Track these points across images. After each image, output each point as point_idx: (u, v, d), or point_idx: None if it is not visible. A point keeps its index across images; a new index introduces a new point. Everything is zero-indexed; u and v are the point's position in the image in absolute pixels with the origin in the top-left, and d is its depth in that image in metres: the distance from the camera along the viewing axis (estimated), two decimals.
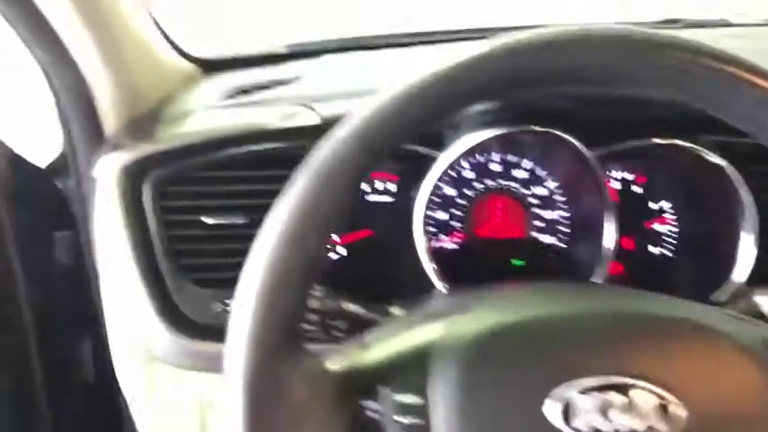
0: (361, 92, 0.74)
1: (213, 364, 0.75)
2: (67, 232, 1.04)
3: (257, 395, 0.47)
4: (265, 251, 0.47)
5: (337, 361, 0.49)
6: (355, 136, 0.47)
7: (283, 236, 0.47)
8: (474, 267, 0.85)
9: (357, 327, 0.64)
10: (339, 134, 0.48)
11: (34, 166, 0.99)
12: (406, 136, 0.48)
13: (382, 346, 0.50)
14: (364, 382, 0.49)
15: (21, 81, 1.15)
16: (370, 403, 0.49)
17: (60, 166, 1.02)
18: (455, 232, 0.85)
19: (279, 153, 0.75)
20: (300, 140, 0.74)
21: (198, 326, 0.75)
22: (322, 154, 0.48)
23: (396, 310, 0.69)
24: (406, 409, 0.48)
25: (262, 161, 0.75)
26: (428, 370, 0.48)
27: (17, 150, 0.97)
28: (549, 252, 0.86)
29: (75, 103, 0.79)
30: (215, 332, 0.75)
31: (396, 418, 0.48)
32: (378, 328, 0.53)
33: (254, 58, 1.07)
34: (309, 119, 0.76)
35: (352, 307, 0.67)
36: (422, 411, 0.48)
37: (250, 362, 0.47)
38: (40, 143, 1.03)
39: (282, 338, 0.47)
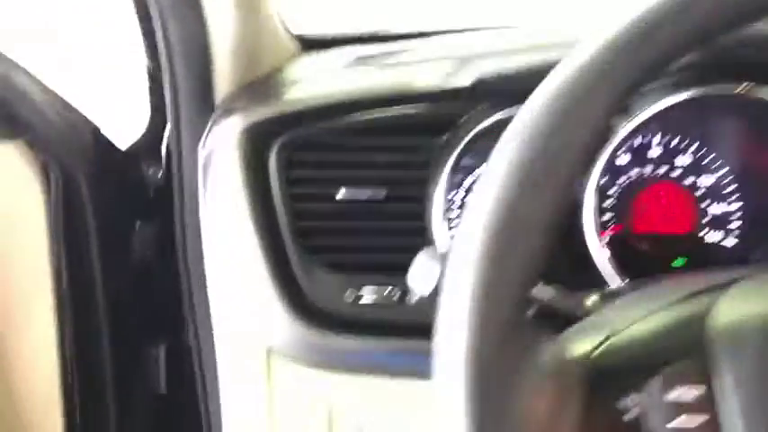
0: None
1: (344, 362, 0.64)
2: (149, 223, 0.94)
3: (487, 392, 0.35)
4: (495, 200, 0.36)
5: (584, 346, 0.38)
6: (614, 51, 0.37)
7: (525, 174, 0.36)
8: (631, 264, 0.73)
9: (549, 316, 0.53)
10: (584, 57, 0.37)
11: (119, 148, 0.89)
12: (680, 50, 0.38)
13: (647, 328, 0.39)
14: (625, 373, 0.38)
15: (107, 56, 1.06)
16: (630, 399, 0.38)
17: (147, 149, 0.92)
18: (611, 225, 0.74)
19: (428, 117, 0.65)
20: (456, 102, 0.64)
21: (328, 316, 0.64)
22: (582, 62, 0.37)
23: (594, 301, 0.57)
24: (685, 406, 0.37)
25: (406, 126, 0.65)
26: (713, 356, 0.37)
27: (103, 129, 0.88)
28: (718, 250, 0.74)
29: (188, 60, 0.69)
30: (347, 324, 0.63)
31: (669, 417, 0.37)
32: (612, 310, 0.42)
33: (352, 37, 0.97)
34: (464, 78, 0.66)
35: (546, 293, 0.56)
36: (705, 405, 0.36)
37: (476, 349, 0.36)
38: (125, 122, 0.94)
39: (515, 318, 0.36)
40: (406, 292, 0.64)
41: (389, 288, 0.64)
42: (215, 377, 0.80)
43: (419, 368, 0.65)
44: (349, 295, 0.64)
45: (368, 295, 0.63)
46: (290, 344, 0.64)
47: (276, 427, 0.64)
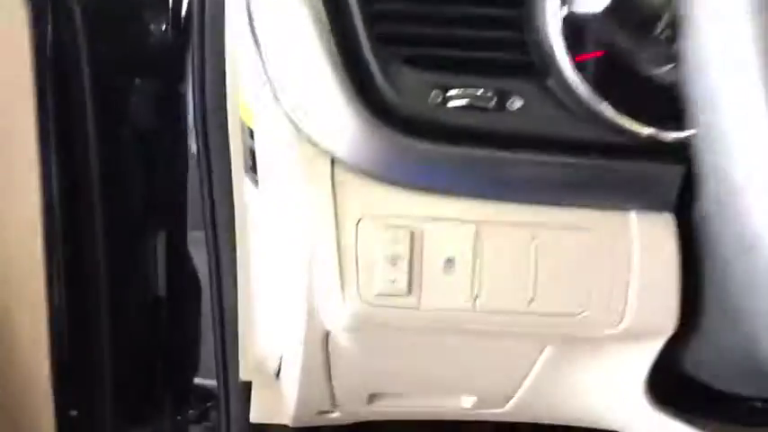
0: None
1: (430, 176, 0.51)
2: (150, 81, 0.80)
3: None
4: None
5: None
6: None
7: None
8: None
9: None
10: None
11: None
12: None
13: None
14: None
15: None
16: None
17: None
18: None
19: None
20: None
21: (409, 120, 0.51)
22: None
23: None
24: None
25: None
26: None
27: None
28: None
29: None
30: (433, 130, 0.51)
31: None
32: None
33: None
34: None
35: None
36: None
37: None
38: None
39: None
40: (505, 96, 0.51)
41: (482, 91, 0.51)
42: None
43: (522, 188, 0.53)
44: (434, 97, 0.51)
45: (458, 98, 0.51)
46: (362, 151, 0.51)
47: (344, 267, 0.51)
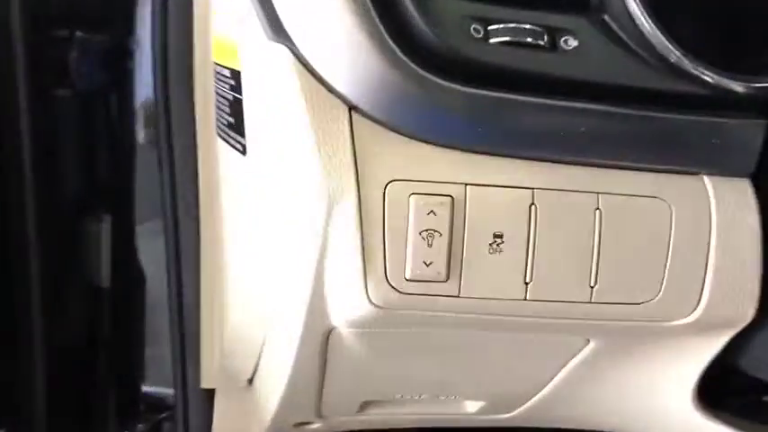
0: None
1: (471, 129, 0.41)
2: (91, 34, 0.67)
3: None
4: None
5: None
6: None
7: None
8: None
9: None
10: None
11: None
12: None
13: None
14: None
15: None
16: None
17: None
18: None
19: None
20: None
21: (445, 57, 0.40)
22: None
23: None
24: None
25: None
26: None
27: None
28: None
29: None
30: (474, 71, 0.40)
31: None
32: None
33: None
34: None
35: None
36: None
37: None
38: None
39: None
40: (557, 34, 0.42)
41: (530, 27, 0.41)
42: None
43: (583, 145, 0.43)
44: (475, 31, 0.40)
45: (502, 34, 0.41)
46: (388, 99, 0.40)
47: (368, 244, 0.40)
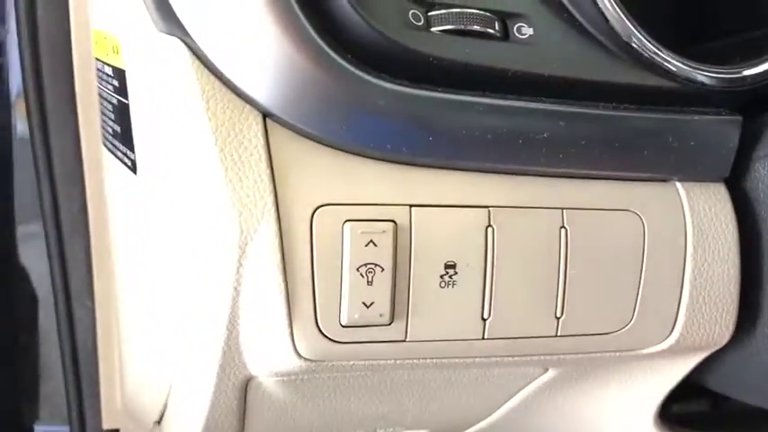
0: None
1: (416, 135, 0.34)
2: None
3: None
4: None
5: None
6: None
7: None
8: None
9: None
10: None
11: None
12: None
13: None
14: None
15: None
16: None
17: None
18: None
19: None
20: None
21: (380, 50, 0.32)
22: None
23: None
24: None
25: None
26: None
27: None
28: None
29: None
30: (412, 65, 0.33)
31: None
32: None
33: None
34: None
35: None
36: None
37: None
38: None
39: None
40: (509, 20, 0.35)
41: (478, 13, 0.34)
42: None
43: (543, 153, 0.36)
44: (414, 17, 0.33)
45: (445, 21, 0.33)
46: (312, 103, 0.32)
47: (293, 287, 0.32)
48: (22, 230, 0.61)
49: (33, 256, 0.61)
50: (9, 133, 0.59)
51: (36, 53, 0.46)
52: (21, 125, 0.59)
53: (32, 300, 0.62)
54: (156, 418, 0.52)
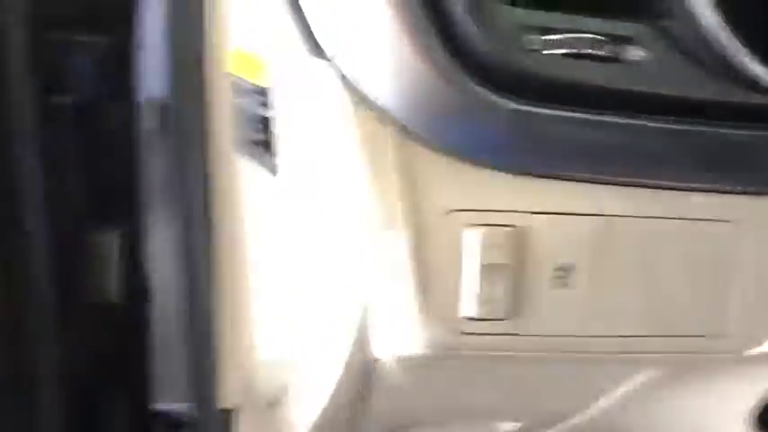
0: None
1: (535, 149, 0.38)
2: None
3: None
4: None
5: None
6: None
7: None
8: None
9: None
10: None
11: None
12: None
13: None
14: None
15: None
16: None
17: None
18: None
19: None
20: None
21: (496, 70, 0.36)
22: None
23: None
24: None
25: None
26: None
27: None
28: None
29: None
30: (528, 85, 0.36)
31: None
32: None
33: None
34: None
35: None
36: None
37: None
38: None
39: None
40: (620, 43, 0.38)
41: (589, 37, 0.37)
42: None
43: (654, 167, 0.39)
44: (530, 41, 0.36)
45: (560, 45, 0.37)
46: (440, 117, 0.36)
47: (423, 281, 0.36)
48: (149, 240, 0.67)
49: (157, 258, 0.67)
50: (138, 145, 0.64)
51: (179, 69, 0.51)
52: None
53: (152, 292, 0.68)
54: (271, 398, 0.56)
